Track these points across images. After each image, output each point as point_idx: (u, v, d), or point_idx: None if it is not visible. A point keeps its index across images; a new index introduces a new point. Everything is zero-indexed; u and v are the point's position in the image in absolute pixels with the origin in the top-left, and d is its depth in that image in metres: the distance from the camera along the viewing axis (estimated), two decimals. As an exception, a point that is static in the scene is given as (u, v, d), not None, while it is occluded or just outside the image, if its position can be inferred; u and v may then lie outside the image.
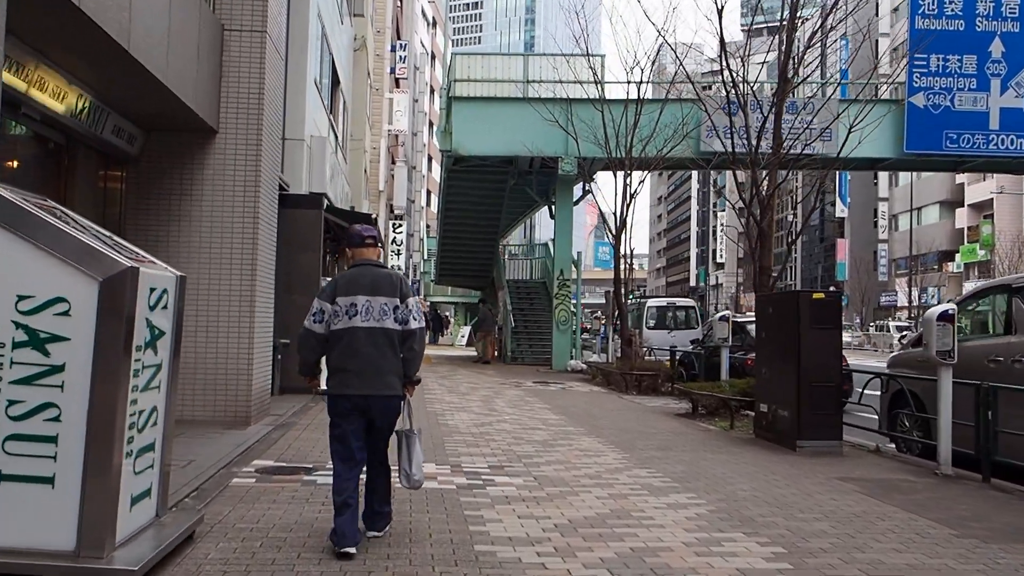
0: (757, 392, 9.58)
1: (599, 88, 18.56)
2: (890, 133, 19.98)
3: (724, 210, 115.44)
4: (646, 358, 17.08)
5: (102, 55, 6.02)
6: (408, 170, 61.77)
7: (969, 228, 57.97)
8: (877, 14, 52.98)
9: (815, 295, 8.69)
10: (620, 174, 18.05)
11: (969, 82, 20.00)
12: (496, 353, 26.32)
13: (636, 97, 17.88)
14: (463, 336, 41.39)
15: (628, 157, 17.39)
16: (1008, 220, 53.26)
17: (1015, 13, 19.92)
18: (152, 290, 3.95)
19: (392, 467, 4.77)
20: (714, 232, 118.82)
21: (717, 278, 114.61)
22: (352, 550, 4.26)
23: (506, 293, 24.49)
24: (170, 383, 4.33)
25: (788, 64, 11.32)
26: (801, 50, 11.35)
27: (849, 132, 11.82)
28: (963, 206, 58.74)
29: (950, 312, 7.32)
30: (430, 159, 73.07)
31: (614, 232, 18.07)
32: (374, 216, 14.10)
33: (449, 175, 22.50)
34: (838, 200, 78.50)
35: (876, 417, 9.46)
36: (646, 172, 18.07)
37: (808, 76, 17.42)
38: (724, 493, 6.24)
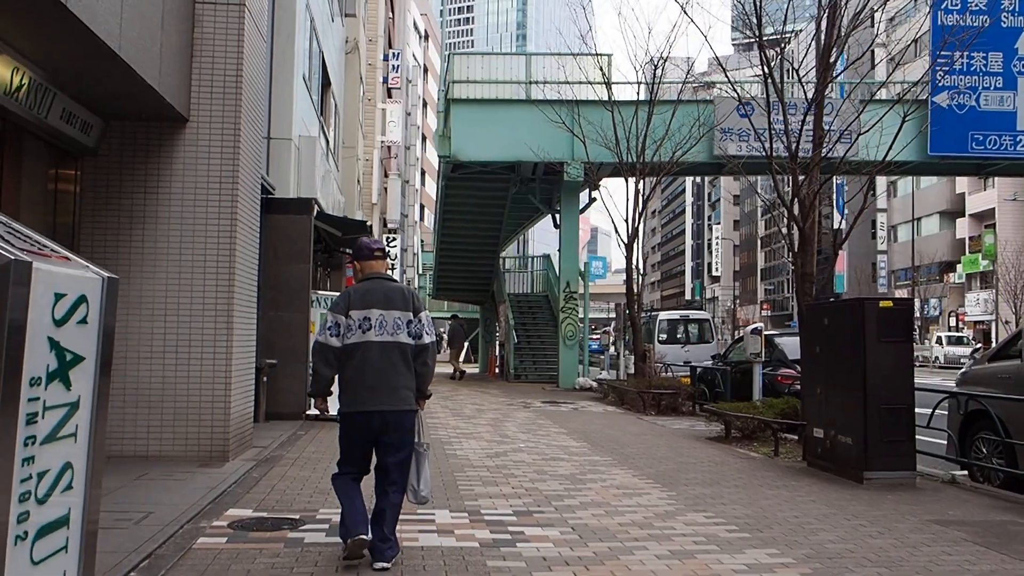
0: (809, 415, 8.39)
1: (608, 89, 17.46)
2: (913, 135, 18.91)
3: (719, 223, 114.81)
4: (662, 375, 15.88)
5: (31, 7, 4.83)
6: (402, 184, 60.74)
7: (971, 238, 57.12)
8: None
9: (882, 303, 7.52)
10: (631, 179, 16.89)
11: (995, 80, 19.00)
12: (498, 370, 25.10)
13: (648, 96, 16.77)
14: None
15: (640, 161, 16.26)
16: (1011, 229, 52.40)
17: (1042, 8, 18.95)
18: (59, 297, 2.74)
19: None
20: (709, 245, 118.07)
21: (713, 291, 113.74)
22: (366, 536, 4.26)
23: (508, 307, 23.28)
24: (94, 429, 3.11)
25: (830, 51, 10.20)
26: (846, 32, 10.24)
27: (900, 134, 10.65)
28: (964, 216, 57.93)
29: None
30: (423, 173, 72.02)
31: (625, 241, 16.90)
32: (369, 224, 12.89)
33: (447, 183, 21.35)
34: (835, 212, 77.76)
35: (928, 439, 8.28)
36: (658, 177, 16.93)
37: (843, 69, 16.30)
38: (810, 546, 5.03)
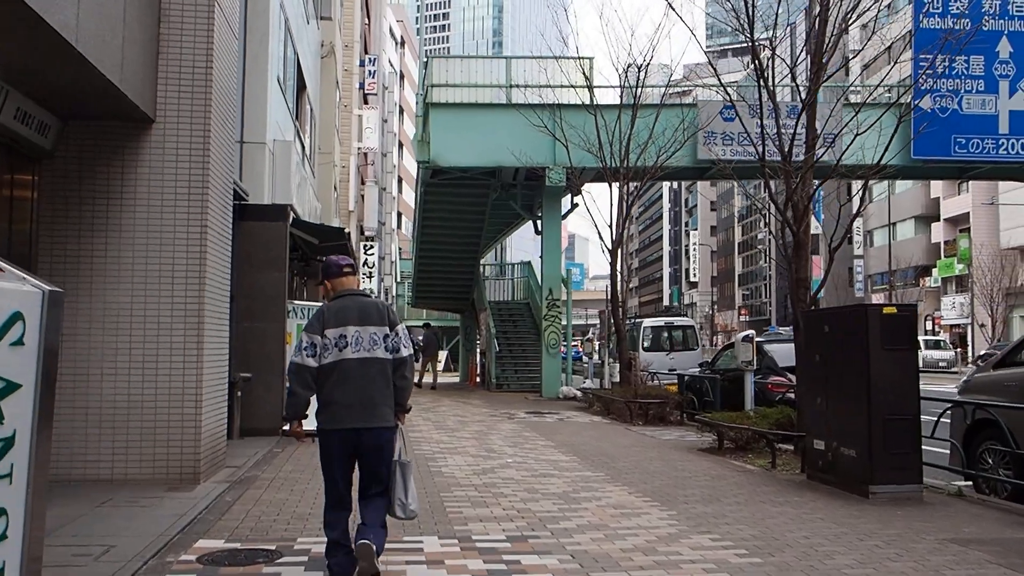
0: (809, 426, 8.08)
1: (590, 92, 17.16)
2: (896, 139, 18.80)
3: (697, 228, 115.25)
4: (648, 383, 15.55)
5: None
6: (379, 191, 60.20)
7: (946, 242, 57.60)
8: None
9: (886, 309, 7.23)
10: (615, 184, 16.59)
11: (977, 84, 18.94)
12: (479, 379, 24.68)
13: (632, 99, 16.49)
14: (440, 361, 39.67)
15: (624, 165, 15.96)
16: (985, 233, 52.87)
17: (1022, 12, 18.93)
18: (-13, 313, 2.32)
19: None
20: (687, 251, 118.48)
21: (691, 297, 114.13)
22: None
23: (489, 315, 22.89)
24: (33, 467, 2.67)
25: (822, 49, 9.93)
26: (837, 32, 9.97)
27: (884, 138, 10.42)
28: (939, 220, 58.42)
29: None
30: (400, 181, 71.57)
31: (609, 247, 16.59)
32: (347, 231, 12.47)
33: (426, 189, 20.92)
34: (812, 216, 78.13)
35: (928, 448, 8.01)
36: (643, 182, 16.63)
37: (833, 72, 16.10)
38: (827, 572, 4.69)
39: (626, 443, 10.88)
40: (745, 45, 13.33)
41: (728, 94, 11.61)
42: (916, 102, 18.57)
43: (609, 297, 16.74)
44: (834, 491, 7.31)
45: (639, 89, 16.70)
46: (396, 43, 67.75)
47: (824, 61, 9.93)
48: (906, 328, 7.22)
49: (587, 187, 20.31)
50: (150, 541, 5.05)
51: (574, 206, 20.38)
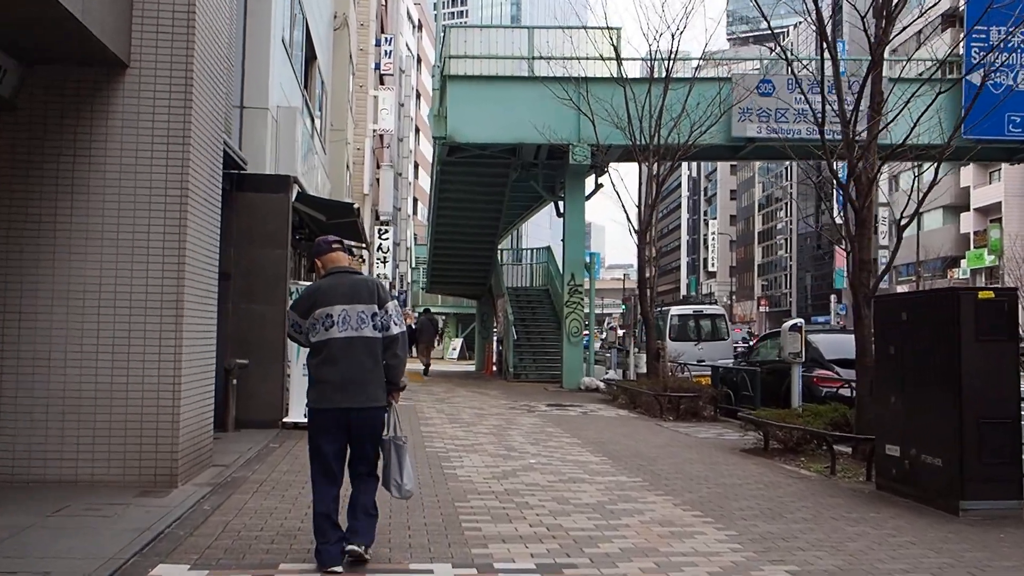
0: (881, 428, 7.02)
1: (618, 63, 16.04)
2: (944, 117, 17.57)
3: (716, 218, 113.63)
4: (678, 375, 14.51)
5: None
6: (395, 176, 59.26)
7: (976, 233, 56.00)
8: None
9: (982, 294, 6.16)
10: (644, 163, 15.48)
11: (1034, 58, 17.65)
12: (495, 368, 23.72)
13: (664, 70, 15.36)
14: (455, 349, 38.74)
15: (656, 142, 14.86)
16: (1017, 224, 51.26)
17: (1084, -20, 17.59)
18: None
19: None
20: (705, 240, 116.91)
21: (709, 287, 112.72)
22: (339, 568, 4.16)
23: (507, 301, 21.87)
24: None
25: (884, 9, 8.78)
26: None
27: (931, 116, 9.26)
28: (968, 210, 56.78)
29: None
30: (416, 166, 70.70)
31: (637, 229, 15.53)
32: (357, 207, 11.48)
33: (443, 168, 19.90)
34: (835, 206, 76.66)
35: None
36: (673, 161, 15.49)
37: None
38: (949, 625, 3.66)
39: (660, 442, 9.85)
40: (767, 32, 12.23)
41: (787, 60, 10.31)
42: (966, 77, 17.33)
43: (630, 283, 15.68)
44: (914, 506, 6.27)
45: (672, 62, 15.56)
46: (413, 26, 66.66)
47: (894, 15, 8.78)
48: (1005, 316, 6.13)
49: (612, 167, 19.23)
50: (95, 567, 4.09)
51: (598, 187, 19.29)
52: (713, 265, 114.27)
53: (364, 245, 16.33)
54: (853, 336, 13.04)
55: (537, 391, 17.11)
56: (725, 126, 17.10)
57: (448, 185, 20.91)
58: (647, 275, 15.23)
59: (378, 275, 41.67)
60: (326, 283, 4.46)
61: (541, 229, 68.80)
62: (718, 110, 15.76)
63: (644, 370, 16.95)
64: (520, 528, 5.29)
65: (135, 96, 6.20)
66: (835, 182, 9.05)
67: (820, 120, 9.14)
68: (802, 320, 10.30)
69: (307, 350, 4.57)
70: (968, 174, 55.26)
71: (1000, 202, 52.21)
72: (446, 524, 5.34)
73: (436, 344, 34.69)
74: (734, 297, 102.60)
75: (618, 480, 7.12)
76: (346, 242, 18.04)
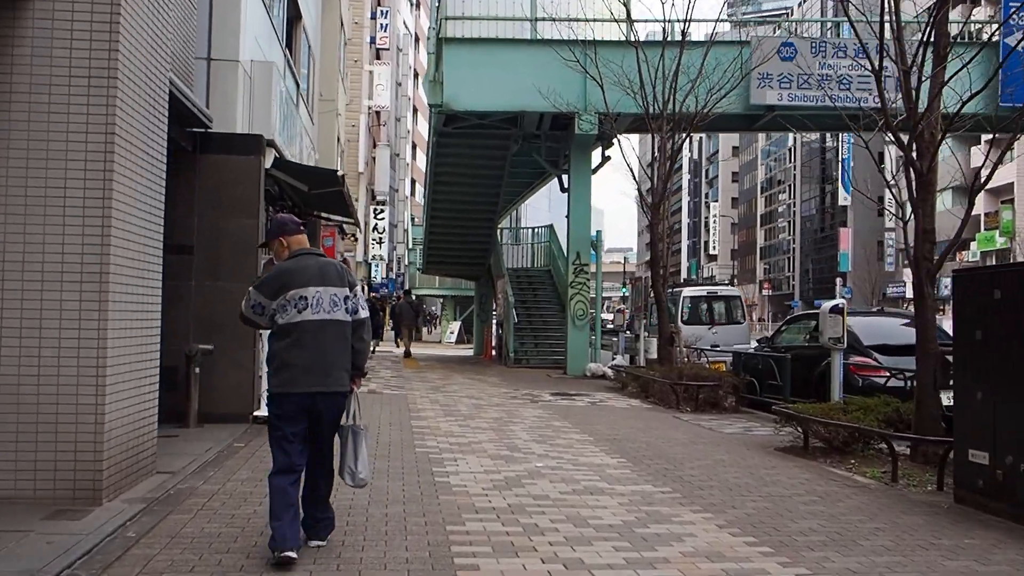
0: (962, 430, 5.84)
1: (629, 25, 14.75)
2: (980, 85, 16.29)
3: (717, 200, 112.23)
4: (694, 361, 13.34)
5: None
6: (391, 157, 57.88)
7: (987, 214, 54.70)
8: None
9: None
10: (655, 132, 14.22)
11: (1077, 20, 16.33)
12: (495, 353, 22.56)
13: (673, 36, 14.08)
14: (452, 332, 37.58)
15: (673, 106, 13.60)
16: (1031, 205, 50.03)
17: None
18: None
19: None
20: (706, 223, 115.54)
21: (710, 270, 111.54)
22: (293, 554, 3.93)
23: (507, 282, 20.67)
24: None
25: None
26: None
27: (965, 84, 8.02)
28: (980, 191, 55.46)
29: None
30: (414, 147, 69.27)
31: (649, 203, 14.30)
32: (341, 174, 10.24)
33: (439, 139, 18.62)
34: (840, 187, 75.53)
35: None
36: (689, 130, 14.20)
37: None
38: None
39: (682, 438, 8.68)
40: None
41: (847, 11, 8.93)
42: (1005, 40, 16.05)
43: (629, 266, 14.47)
44: (1014, 528, 5.10)
45: (687, 23, 14.27)
46: (411, 3, 65.00)
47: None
48: None
49: (619, 138, 17.98)
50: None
51: (605, 159, 18.04)
52: (714, 248, 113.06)
53: (354, 221, 15.08)
54: (894, 320, 11.96)
55: (539, 378, 15.95)
56: (743, 94, 15.84)
57: (445, 159, 19.64)
58: (661, 253, 14.00)
59: (373, 256, 40.44)
60: (295, 264, 4.28)
61: (539, 212, 67.40)
62: (736, 75, 14.50)
63: (654, 355, 15.81)
64: (529, 564, 4.12)
65: (48, 19, 4.96)
66: (896, 144, 7.79)
67: (878, 74, 7.84)
68: (843, 300, 9.11)
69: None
70: (978, 155, 53.92)
71: (1013, 183, 50.88)
72: (434, 559, 4.16)
73: (420, 327, 33.96)
74: (736, 280, 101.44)
75: (643, 490, 5.95)
76: (335, 218, 16.86)
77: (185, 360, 8.12)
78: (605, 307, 44.67)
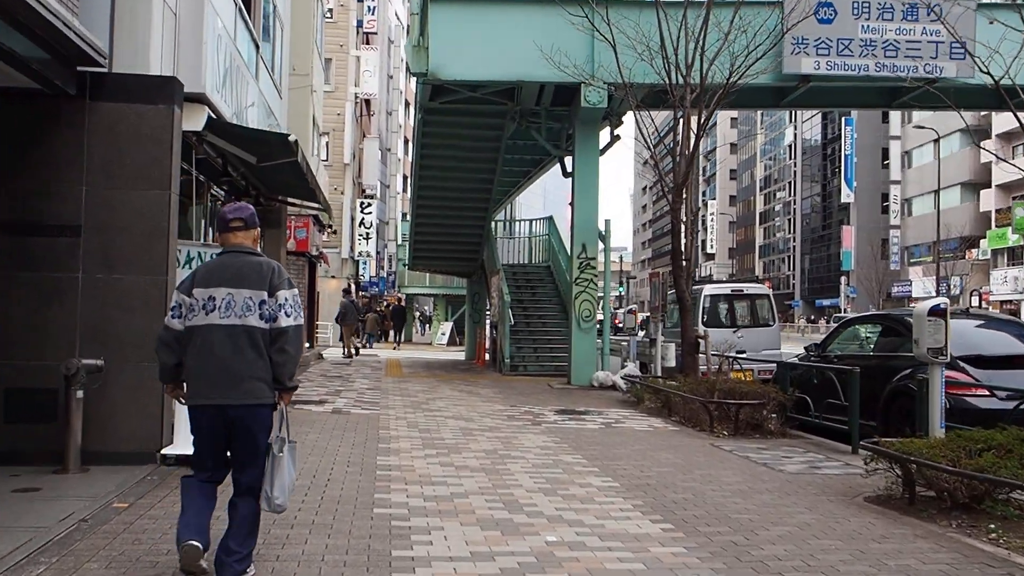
0: None
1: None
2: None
3: (715, 198, 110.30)
4: (730, 373, 11.20)
5: None
6: (383, 152, 55.65)
7: (998, 211, 52.80)
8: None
9: None
10: (678, 104, 12.05)
11: None
12: (488, 357, 20.40)
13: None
14: (443, 334, 35.41)
15: (702, 70, 11.46)
16: (1045, 201, 48.11)
17: None
18: None
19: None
20: (704, 222, 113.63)
21: (708, 269, 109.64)
22: (196, 542, 3.74)
23: (502, 279, 18.50)
24: None
25: None
26: None
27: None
28: (990, 187, 53.54)
29: None
30: (407, 142, 67.07)
31: (671, 186, 12.16)
32: (294, 138, 8.06)
33: (426, 118, 16.44)
34: (843, 184, 73.65)
35: None
36: (713, 106, 12.01)
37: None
38: None
39: (736, 481, 6.53)
40: None
41: None
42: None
43: (625, 266, 12.34)
44: None
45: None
46: (403, -9, 62.84)
47: None
48: None
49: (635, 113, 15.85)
50: None
51: (615, 138, 15.89)
52: (712, 247, 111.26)
53: (321, 207, 12.90)
54: (988, 323, 9.83)
55: (539, 389, 13.80)
56: (774, 61, 13.70)
57: (432, 139, 17.44)
58: (685, 245, 11.85)
59: (360, 252, 38.21)
60: (214, 263, 4.01)
61: (533, 211, 65.18)
62: (769, 40, 12.35)
63: (672, 363, 13.69)
64: None
65: None
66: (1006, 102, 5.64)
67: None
68: (946, 300, 6.96)
69: None
70: (989, 149, 51.99)
71: (1026, 178, 48.92)
72: None
73: (396, 328, 32.74)
74: (733, 279, 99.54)
75: (719, 597, 3.80)
76: (304, 205, 14.63)
77: (64, 381, 5.94)
78: (645, 304, 42.15)
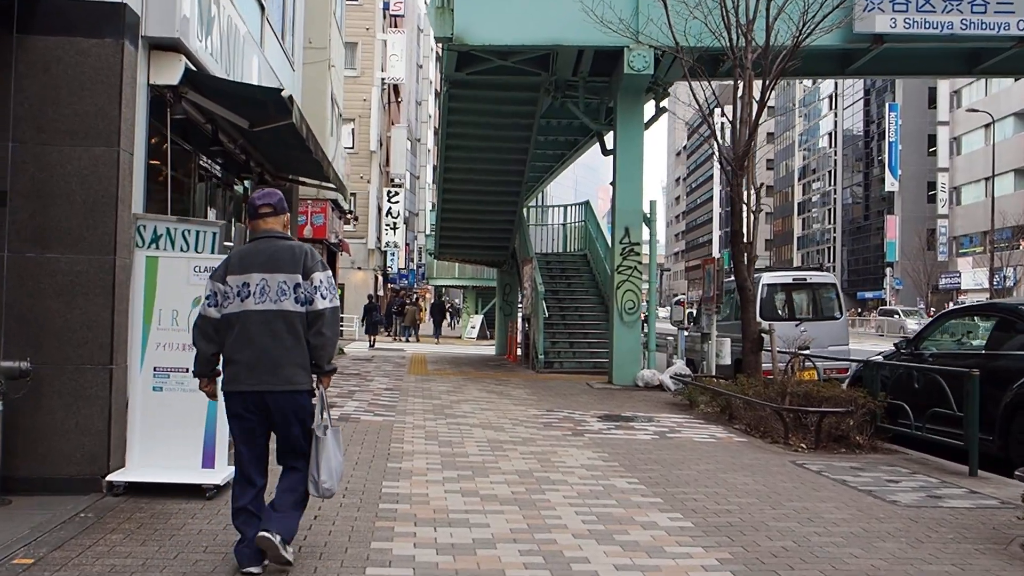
0: None
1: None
2: None
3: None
4: (805, 375, 9.66)
5: None
6: (412, 142, 54.38)
7: (1055, 198, 50.17)
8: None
9: None
10: (736, 68, 10.49)
11: None
12: (520, 352, 18.99)
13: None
14: (473, 327, 34.08)
15: (768, 31, 9.92)
16: (1109, 187, 45.47)
17: None
18: None
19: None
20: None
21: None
22: (256, 569, 3.73)
23: (535, 269, 17.05)
24: None
25: None
26: None
27: None
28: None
29: None
30: (436, 132, 65.74)
31: (730, 161, 10.61)
32: (287, 94, 6.69)
33: (452, 92, 15.03)
34: (887, 172, 70.96)
35: None
36: (775, 75, 10.41)
37: None
38: None
39: (843, 520, 5.04)
40: None
41: None
42: None
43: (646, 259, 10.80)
44: None
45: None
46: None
47: None
48: None
49: (677, 85, 14.31)
50: None
51: (660, 111, 14.35)
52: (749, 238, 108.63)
53: (331, 184, 11.55)
54: None
55: (578, 389, 12.36)
56: (844, 20, 12.04)
57: (459, 116, 16.02)
58: (748, 226, 10.30)
59: (387, 243, 36.99)
60: (245, 249, 3.97)
61: (563, 201, 63.52)
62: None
63: (727, 361, 12.19)
64: None
65: None
66: None
67: None
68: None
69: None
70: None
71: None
72: None
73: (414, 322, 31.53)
74: (770, 271, 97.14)
75: None
76: (324, 185, 13.26)
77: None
78: (696, 294, 39.74)
